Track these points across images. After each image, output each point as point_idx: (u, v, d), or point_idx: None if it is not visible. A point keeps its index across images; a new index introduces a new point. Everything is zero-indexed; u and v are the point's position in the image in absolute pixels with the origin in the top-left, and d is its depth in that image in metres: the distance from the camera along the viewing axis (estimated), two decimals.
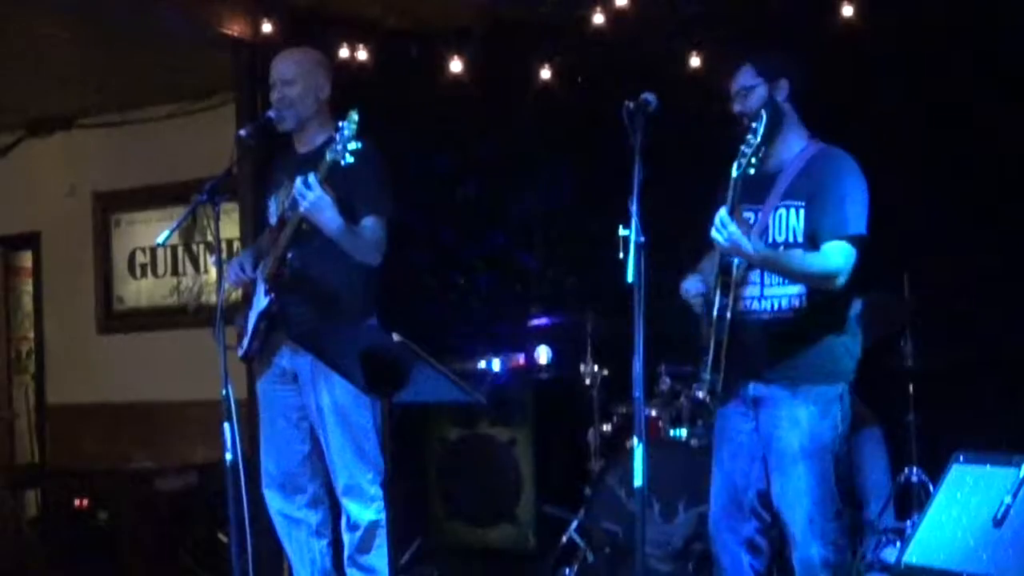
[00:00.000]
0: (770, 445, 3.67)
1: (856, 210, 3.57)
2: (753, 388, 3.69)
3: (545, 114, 6.07)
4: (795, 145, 3.70)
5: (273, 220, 4.26)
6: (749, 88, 3.68)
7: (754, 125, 3.43)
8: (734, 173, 3.46)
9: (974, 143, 5.17)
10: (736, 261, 3.60)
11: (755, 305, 3.66)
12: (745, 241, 3.42)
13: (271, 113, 4.17)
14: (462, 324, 6.35)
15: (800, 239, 3.61)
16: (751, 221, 3.62)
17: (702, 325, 3.74)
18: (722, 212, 3.43)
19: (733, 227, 3.41)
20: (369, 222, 4.04)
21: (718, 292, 3.62)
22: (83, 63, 6.19)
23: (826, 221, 3.56)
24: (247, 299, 4.30)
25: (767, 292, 3.65)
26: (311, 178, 3.85)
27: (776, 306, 3.64)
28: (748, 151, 3.43)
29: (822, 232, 3.56)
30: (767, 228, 3.64)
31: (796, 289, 3.62)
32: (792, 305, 3.63)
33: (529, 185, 6.41)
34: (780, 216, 3.65)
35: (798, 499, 3.61)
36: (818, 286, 3.58)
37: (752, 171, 3.45)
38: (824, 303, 3.62)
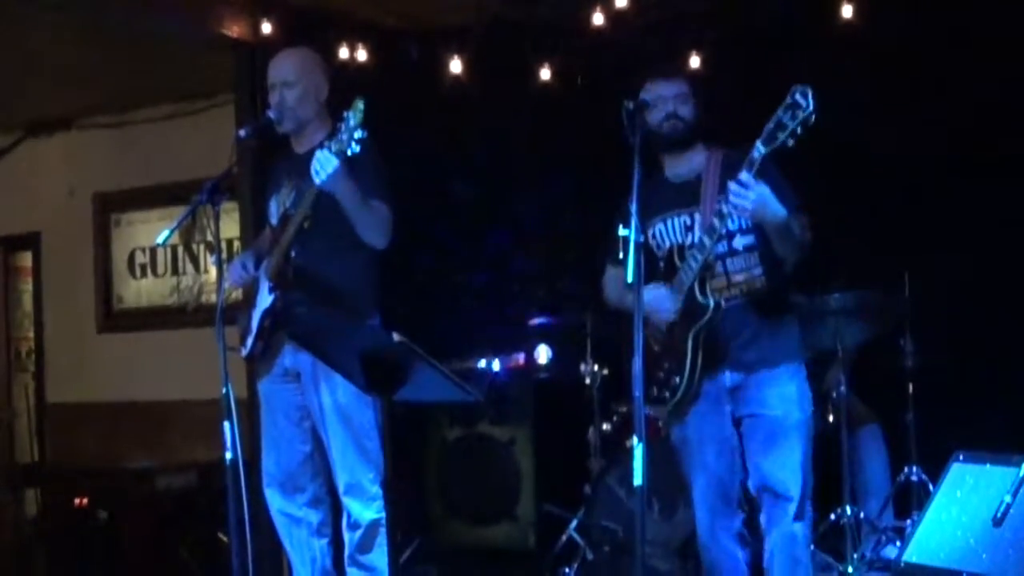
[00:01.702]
0: (758, 426, 3.74)
1: (790, 185, 3.70)
2: (730, 378, 3.75)
3: (545, 114, 6.08)
4: (701, 152, 3.84)
5: (275, 221, 4.26)
6: (687, 95, 3.82)
7: (801, 99, 3.37)
8: (762, 149, 3.44)
9: (974, 143, 5.18)
10: (715, 254, 3.66)
11: (724, 294, 3.72)
12: (773, 198, 3.49)
13: (271, 113, 4.16)
14: (462, 324, 6.35)
15: (750, 224, 3.71)
16: (688, 224, 3.77)
17: (658, 332, 3.79)
18: (743, 175, 3.46)
19: (761, 187, 3.46)
20: (377, 204, 4.03)
21: (697, 292, 3.67)
22: (83, 63, 6.19)
23: (778, 197, 3.62)
24: (249, 299, 4.30)
25: (733, 280, 3.75)
26: (325, 151, 3.79)
27: (743, 291, 3.75)
28: (793, 124, 3.38)
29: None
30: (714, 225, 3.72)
31: (757, 271, 3.76)
32: (756, 287, 3.76)
33: (528, 185, 6.42)
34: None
35: (792, 476, 3.69)
36: (796, 253, 3.69)
37: (792, 143, 3.43)
38: (779, 282, 3.78)
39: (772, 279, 3.77)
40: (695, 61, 5.64)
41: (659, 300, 3.74)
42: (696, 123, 3.81)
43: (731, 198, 3.48)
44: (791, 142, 3.41)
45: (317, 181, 3.81)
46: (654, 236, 3.85)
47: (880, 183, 5.36)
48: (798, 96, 3.37)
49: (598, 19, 5.49)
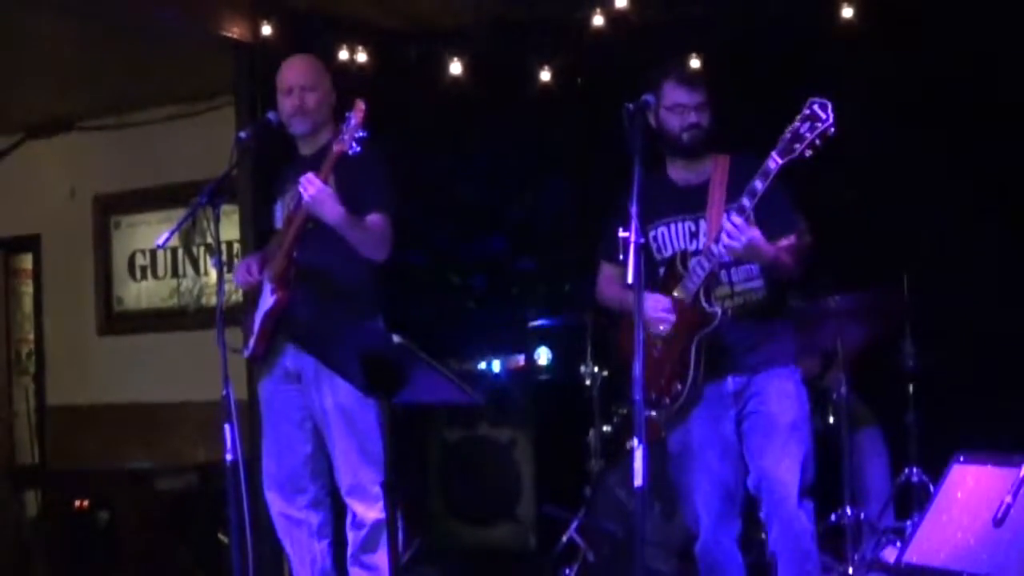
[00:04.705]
0: (758, 423, 3.75)
1: (796, 206, 3.77)
2: (732, 382, 3.77)
3: (544, 115, 6.07)
4: (709, 157, 3.84)
5: (279, 224, 4.28)
6: (706, 104, 3.80)
7: (820, 111, 3.36)
8: (778, 160, 3.44)
9: (974, 143, 5.18)
10: (720, 263, 3.67)
11: (727, 303, 3.75)
12: (765, 242, 3.54)
13: (270, 115, 4.18)
14: (462, 325, 6.35)
15: None
16: (692, 230, 3.78)
17: (658, 339, 3.78)
18: (736, 218, 3.49)
19: (752, 232, 3.50)
20: (375, 218, 4.06)
21: (703, 300, 3.68)
22: (83, 65, 6.19)
23: (777, 221, 3.69)
24: (253, 300, 4.31)
25: (736, 289, 3.79)
26: (311, 173, 3.92)
27: (746, 300, 3.79)
28: (811, 136, 3.38)
29: (775, 231, 3.67)
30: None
31: (760, 283, 3.80)
32: (758, 298, 3.80)
33: (529, 186, 6.41)
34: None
35: (791, 474, 3.69)
36: (788, 276, 3.76)
37: (808, 154, 3.42)
38: (777, 294, 3.83)
39: (772, 288, 3.81)
40: (695, 62, 5.64)
41: (658, 310, 3.74)
42: (712, 131, 3.80)
43: (723, 238, 3.50)
44: (808, 153, 3.40)
45: (303, 199, 3.90)
46: (655, 239, 3.85)
47: (879, 183, 5.36)
48: (816, 108, 3.36)
49: (598, 20, 5.49)
